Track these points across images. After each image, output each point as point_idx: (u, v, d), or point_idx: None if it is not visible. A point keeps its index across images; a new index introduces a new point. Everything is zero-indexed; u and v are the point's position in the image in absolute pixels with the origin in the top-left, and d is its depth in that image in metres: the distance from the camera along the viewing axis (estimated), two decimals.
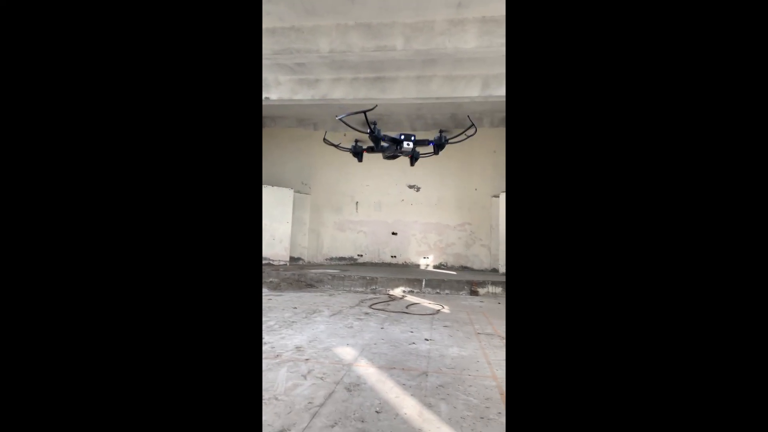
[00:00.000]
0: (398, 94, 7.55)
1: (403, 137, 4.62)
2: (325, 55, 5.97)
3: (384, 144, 4.58)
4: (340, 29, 5.81)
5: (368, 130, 4.54)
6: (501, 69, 7.01)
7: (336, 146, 5.29)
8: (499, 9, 5.22)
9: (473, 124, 4.81)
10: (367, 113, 4.22)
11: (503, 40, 5.36)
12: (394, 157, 5.08)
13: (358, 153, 5.06)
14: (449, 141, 5.25)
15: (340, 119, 4.27)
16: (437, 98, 7.51)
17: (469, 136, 5.05)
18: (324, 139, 5.35)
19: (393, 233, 10.40)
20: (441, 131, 5.21)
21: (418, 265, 10.13)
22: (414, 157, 5.21)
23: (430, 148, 5.25)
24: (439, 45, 5.58)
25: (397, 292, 7.26)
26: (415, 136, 4.74)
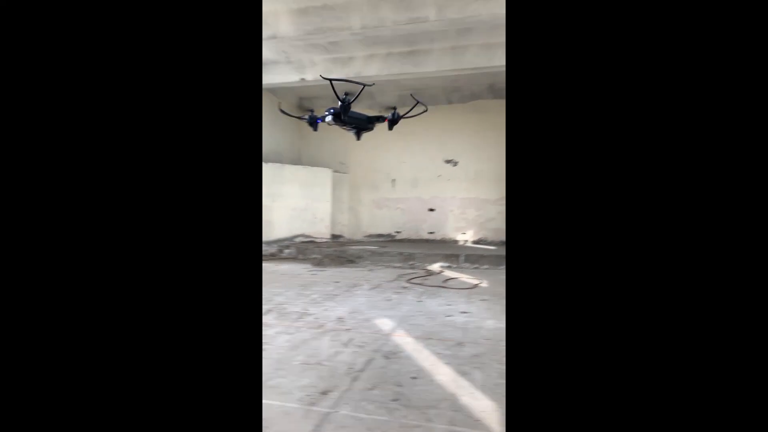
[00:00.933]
0: (433, 67, 7.38)
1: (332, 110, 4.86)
2: (358, 32, 5.95)
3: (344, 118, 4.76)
4: (372, 3, 5.73)
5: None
6: None
7: (290, 115, 5.33)
8: None
9: (419, 102, 4.94)
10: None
11: None
12: (358, 130, 5.24)
13: (312, 122, 5.11)
14: (402, 117, 5.57)
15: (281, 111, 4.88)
16: (474, 68, 7.26)
17: (421, 112, 5.29)
18: (280, 109, 5.36)
19: (430, 209, 10.39)
20: (394, 108, 5.43)
21: (457, 241, 10.10)
22: (393, 121, 5.38)
23: (422, 108, 5.58)
24: (474, 12, 5.36)
25: (435, 267, 7.34)
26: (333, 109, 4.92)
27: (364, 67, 7.72)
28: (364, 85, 4.49)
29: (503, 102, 9.64)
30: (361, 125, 5.09)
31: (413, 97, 5.35)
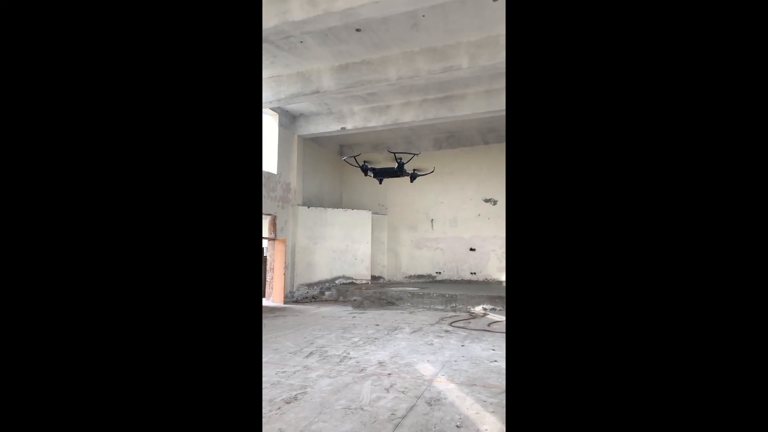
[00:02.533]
0: (467, 110, 7.59)
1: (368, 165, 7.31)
2: (394, 83, 6.31)
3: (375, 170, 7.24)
4: (407, 56, 6.12)
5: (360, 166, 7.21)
6: None
7: (350, 164, 7.42)
8: None
9: (410, 153, 6.92)
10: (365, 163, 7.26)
11: None
12: (382, 176, 7.43)
13: (365, 170, 7.21)
14: (420, 174, 7.51)
15: (345, 160, 7.29)
16: None
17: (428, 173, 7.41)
18: (344, 159, 7.53)
19: (471, 249, 10.23)
20: (414, 170, 7.42)
21: (501, 282, 9.77)
22: (413, 177, 7.22)
23: (430, 169, 7.57)
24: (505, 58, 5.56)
25: (478, 309, 7.11)
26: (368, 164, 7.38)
27: (400, 114, 8.09)
28: (414, 154, 6.36)
29: None
30: (391, 174, 6.95)
31: (404, 154, 6.60)
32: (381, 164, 7.31)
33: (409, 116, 8.00)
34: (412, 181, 7.37)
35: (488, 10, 5.00)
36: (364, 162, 7.16)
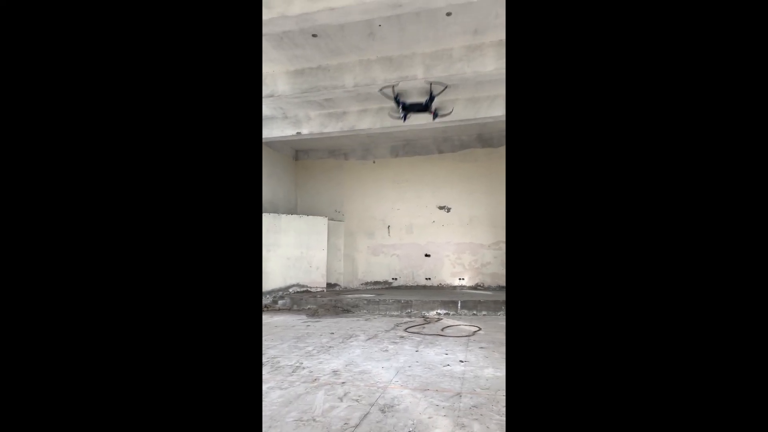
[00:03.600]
0: (423, 120, 7.76)
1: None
2: (351, 89, 6.33)
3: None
4: (363, 64, 6.17)
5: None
6: None
7: (389, 97, 7.32)
8: None
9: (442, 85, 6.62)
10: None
11: None
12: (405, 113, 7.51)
13: (398, 102, 7.35)
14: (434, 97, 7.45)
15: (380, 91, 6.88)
16: (461, 120, 7.65)
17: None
18: (379, 91, 7.22)
19: (426, 255, 10.41)
20: (436, 109, 7.44)
21: (454, 287, 10.02)
22: (435, 114, 7.46)
23: (449, 109, 7.70)
24: (459, 71, 5.77)
25: (432, 314, 7.23)
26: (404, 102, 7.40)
27: (357, 120, 8.11)
28: (445, 86, 6.34)
29: (491, 150, 10.03)
30: (418, 110, 7.12)
31: (437, 84, 6.67)
32: (412, 98, 7.23)
33: (366, 123, 8.04)
34: (434, 119, 7.46)
35: (441, 23, 5.17)
36: (397, 94, 7.27)
